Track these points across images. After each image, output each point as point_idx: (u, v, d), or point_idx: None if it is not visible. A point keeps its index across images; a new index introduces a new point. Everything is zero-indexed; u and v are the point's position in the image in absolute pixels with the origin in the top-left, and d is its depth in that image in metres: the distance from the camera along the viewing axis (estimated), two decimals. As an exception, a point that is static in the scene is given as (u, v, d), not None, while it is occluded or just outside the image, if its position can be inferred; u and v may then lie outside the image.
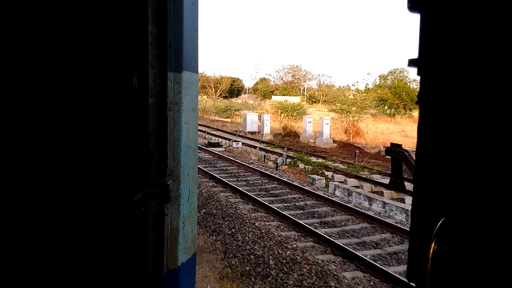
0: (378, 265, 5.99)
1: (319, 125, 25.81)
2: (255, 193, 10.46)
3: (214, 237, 7.69)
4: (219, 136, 24.13)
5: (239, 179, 12.19)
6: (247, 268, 6.36)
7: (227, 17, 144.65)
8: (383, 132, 29.17)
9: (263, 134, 25.77)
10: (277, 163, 15.33)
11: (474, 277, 0.80)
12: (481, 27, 0.79)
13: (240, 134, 26.11)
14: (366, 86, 52.97)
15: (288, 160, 16.63)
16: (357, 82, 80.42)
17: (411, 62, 0.94)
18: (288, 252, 6.50)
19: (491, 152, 0.77)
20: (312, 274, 5.77)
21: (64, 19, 1.71)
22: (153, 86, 1.47)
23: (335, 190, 11.81)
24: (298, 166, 16.01)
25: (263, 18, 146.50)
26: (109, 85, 1.61)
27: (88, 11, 1.65)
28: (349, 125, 27.52)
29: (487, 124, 0.78)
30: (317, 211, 9.03)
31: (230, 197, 10.00)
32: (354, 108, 29.90)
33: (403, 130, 31.04)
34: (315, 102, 58.16)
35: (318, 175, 14.10)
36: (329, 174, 14.43)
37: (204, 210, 9.09)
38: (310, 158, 17.36)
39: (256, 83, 76.46)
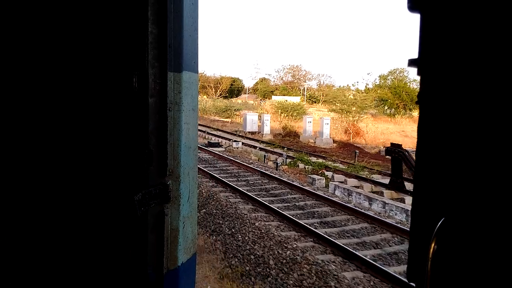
0: (378, 265, 5.99)
1: (319, 125, 25.82)
2: (255, 193, 10.46)
3: (214, 237, 7.69)
4: (219, 136, 24.13)
5: (239, 179, 12.19)
6: (247, 268, 6.36)
7: (227, 17, 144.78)
8: (383, 132, 29.15)
9: (263, 134, 25.77)
10: (277, 163, 15.33)
11: (474, 277, 0.80)
12: (481, 27, 0.79)
13: (240, 134, 26.12)
14: (366, 86, 53.00)
15: (288, 160, 16.63)
16: (357, 82, 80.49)
17: (411, 62, 0.94)
18: (288, 252, 6.49)
19: (491, 152, 0.77)
20: (312, 274, 5.77)
21: (64, 19, 1.71)
22: (153, 86, 1.47)
23: (335, 190, 11.81)
24: (298, 166, 16.01)
25: (263, 18, 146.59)
26: (109, 85, 1.61)
27: (88, 11, 1.65)
28: (349, 125, 27.50)
29: (487, 124, 0.78)
30: (317, 211, 9.03)
31: (230, 197, 10.00)
32: (354, 108, 29.90)
33: (403, 130, 31.03)
34: (315, 102, 58.16)
35: (318, 175, 14.10)
36: (329, 174, 14.43)
37: (204, 210, 9.09)
38: (310, 158, 17.36)
39: (256, 83, 76.45)
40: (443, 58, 0.86)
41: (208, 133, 25.40)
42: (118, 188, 1.60)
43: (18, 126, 1.90)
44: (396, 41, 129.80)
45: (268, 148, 20.29)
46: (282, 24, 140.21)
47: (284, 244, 6.78)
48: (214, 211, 8.90)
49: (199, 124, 30.56)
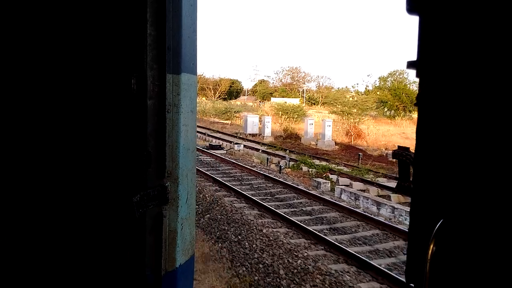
0: (395, 275, 5.69)
1: (320, 127, 25.56)
2: (260, 197, 10.15)
3: (220, 244, 7.38)
4: (219, 138, 23.81)
5: (242, 182, 11.89)
6: (256, 278, 6.05)
7: (226, 18, 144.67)
8: (384, 134, 28.95)
9: (264, 136, 25.47)
10: (280, 166, 15.02)
11: (473, 278, 0.80)
12: (479, 30, 0.79)
13: (241, 136, 25.81)
14: (366, 88, 52.83)
15: (291, 163, 16.33)
16: (357, 84, 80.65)
17: (410, 64, 0.94)
18: (299, 261, 6.19)
19: (489, 154, 0.77)
20: (326, 286, 5.47)
21: (63, 21, 1.69)
22: (151, 88, 1.47)
23: (341, 194, 11.52)
24: (301, 169, 15.71)
25: (262, 20, 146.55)
26: (108, 87, 1.60)
27: (87, 13, 1.63)
28: (351, 127, 27.27)
29: (485, 126, 0.78)
30: (325, 216, 8.73)
31: (234, 201, 9.69)
32: (355, 110, 29.68)
33: (404, 132, 30.83)
34: (314, 103, 58.00)
35: (322, 178, 13.81)
36: (334, 177, 14.14)
37: (208, 215, 8.78)
38: (313, 160, 17.07)
39: (255, 85, 76.39)
40: (441, 60, 0.86)
41: (209, 135, 25.09)
42: (116, 189, 1.59)
43: (17, 128, 1.87)
44: (396, 43, 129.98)
45: (270, 150, 19.98)
46: (281, 25, 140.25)
47: (294, 253, 6.48)
48: (219, 216, 8.58)
49: (199, 126, 30.32)
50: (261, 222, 8.09)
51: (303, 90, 65.64)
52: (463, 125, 0.82)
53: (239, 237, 7.46)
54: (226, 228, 7.98)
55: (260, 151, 19.36)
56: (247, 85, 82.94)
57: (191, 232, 1.67)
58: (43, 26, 1.75)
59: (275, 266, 6.20)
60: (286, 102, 44.83)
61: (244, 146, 20.27)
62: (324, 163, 16.74)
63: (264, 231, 7.48)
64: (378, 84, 51.77)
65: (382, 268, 5.92)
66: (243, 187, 11.28)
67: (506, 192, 0.74)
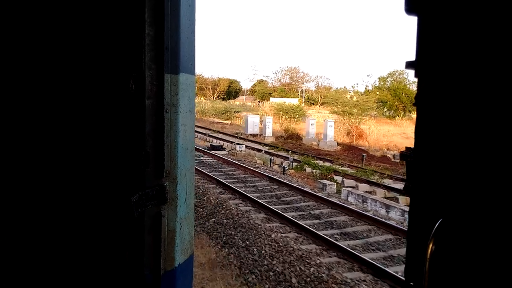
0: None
1: (322, 127, 25.31)
2: (266, 200, 9.86)
3: (227, 250, 7.08)
4: (220, 139, 23.49)
5: (246, 184, 11.59)
6: (267, 286, 5.76)
7: (224, 18, 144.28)
8: (385, 134, 28.74)
9: (265, 136, 25.17)
10: (284, 167, 14.73)
11: (472, 278, 0.81)
12: (477, 30, 0.79)
13: (242, 136, 25.50)
14: (366, 88, 52.63)
15: (294, 164, 16.04)
16: (357, 84, 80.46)
17: (409, 64, 0.93)
18: (312, 269, 5.90)
19: (488, 153, 0.77)
20: (343, 296, 5.18)
21: (61, 21, 1.69)
22: (150, 88, 1.47)
23: (348, 196, 11.23)
24: (305, 170, 15.43)
25: (260, 20, 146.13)
26: (106, 87, 1.60)
27: (85, 13, 1.63)
28: (352, 127, 27.02)
29: (484, 126, 0.78)
30: (335, 220, 8.44)
31: (240, 204, 9.39)
32: (356, 110, 29.45)
33: (404, 132, 30.64)
34: (313, 103, 57.79)
35: (327, 180, 13.53)
36: (339, 179, 13.87)
37: (213, 219, 8.48)
38: (316, 161, 16.79)
39: (254, 84, 76.11)
40: (440, 60, 0.87)
41: (209, 136, 24.77)
42: (115, 189, 1.59)
43: (15, 128, 1.87)
44: (395, 43, 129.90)
45: (272, 151, 19.69)
46: (279, 25, 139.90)
47: (306, 260, 6.19)
48: (225, 220, 8.29)
49: (199, 126, 30.02)
50: (269, 226, 7.80)
51: (302, 90, 65.41)
52: (462, 125, 0.82)
53: (247, 242, 7.16)
54: (232, 232, 7.68)
55: (263, 152, 19.05)
56: (245, 85, 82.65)
57: (190, 232, 1.68)
58: (41, 26, 1.74)
59: (286, 274, 5.91)
60: (285, 102, 44.62)
61: (246, 146, 19.95)
62: (327, 164, 16.47)
63: (273, 236, 7.19)
64: (377, 84, 51.59)
65: (400, 276, 5.64)
66: (248, 189, 10.98)
67: (504, 191, 0.75)
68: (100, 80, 1.63)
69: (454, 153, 0.84)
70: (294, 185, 11.34)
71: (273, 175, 12.69)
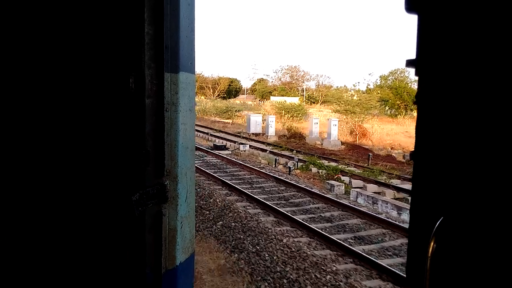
0: (438, 293, 5.12)
1: (325, 126, 25.02)
2: (274, 202, 9.56)
3: (237, 255, 6.78)
4: (222, 138, 23.18)
5: (253, 185, 11.28)
6: (281, 295, 5.47)
7: (224, 17, 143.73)
8: (388, 133, 28.48)
9: (268, 135, 24.87)
10: (289, 167, 14.43)
11: (473, 276, 0.80)
12: (478, 28, 0.79)
13: (244, 135, 25.19)
14: (367, 87, 52.32)
15: (300, 163, 15.74)
16: (358, 82, 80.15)
17: (409, 63, 0.93)
18: (328, 276, 5.61)
19: (489, 151, 0.77)
20: (363, 306, 4.89)
21: (61, 20, 1.68)
22: (149, 87, 1.47)
23: (357, 197, 10.95)
24: (310, 170, 15.13)
25: (260, 18, 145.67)
26: (106, 86, 1.59)
27: (85, 12, 1.62)
28: (355, 126, 26.74)
29: (484, 124, 0.78)
30: (347, 223, 8.14)
31: (248, 207, 9.09)
32: (359, 109, 29.16)
33: (407, 131, 30.35)
34: (313, 102, 57.50)
35: (334, 180, 13.24)
36: (345, 179, 13.58)
37: (220, 222, 8.17)
38: (322, 161, 16.49)
39: (254, 83, 75.83)
40: (440, 59, 0.87)
41: (211, 135, 24.45)
42: (115, 188, 1.59)
43: (15, 127, 1.87)
44: (397, 41, 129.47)
45: (276, 150, 19.39)
46: (279, 24, 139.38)
47: (322, 266, 5.89)
48: (233, 223, 7.99)
49: (201, 126, 29.73)
50: (280, 230, 7.50)
51: (303, 89, 65.11)
52: (462, 123, 0.82)
53: (257, 247, 6.87)
54: (242, 236, 7.38)
55: (268, 151, 18.74)
56: (246, 84, 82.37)
57: (191, 230, 1.67)
58: (41, 25, 1.73)
59: (301, 282, 5.61)
60: (285, 101, 44.35)
61: (250, 146, 19.64)
62: (333, 163, 16.17)
63: (285, 241, 6.89)
64: (379, 83, 51.28)
65: (421, 284, 5.34)
66: (255, 190, 10.68)
67: (505, 189, 0.74)
68: (100, 79, 1.61)
69: (455, 151, 0.84)
70: (301, 186, 11.04)
71: (279, 176, 12.39)
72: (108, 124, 1.60)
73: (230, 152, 17.77)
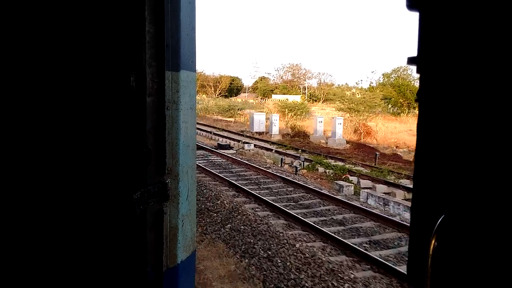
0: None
1: (330, 124, 24.72)
2: (283, 203, 9.27)
3: (247, 260, 6.49)
4: (226, 137, 22.88)
5: (260, 186, 10.99)
6: (296, 304, 5.19)
7: (225, 15, 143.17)
8: (392, 131, 28.17)
9: (271, 134, 24.56)
10: (296, 167, 14.14)
11: (475, 274, 0.80)
12: (479, 25, 0.79)
13: (247, 134, 24.89)
14: (370, 85, 51.94)
15: (306, 163, 15.44)
16: (361, 80, 79.73)
17: (410, 60, 0.93)
18: (347, 285, 5.32)
19: (490, 149, 0.77)
20: (387, 318, 4.60)
21: (61, 18, 1.68)
22: (150, 85, 1.47)
23: (367, 198, 10.65)
24: (317, 169, 14.84)
25: (262, 16, 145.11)
26: (107, 84, 1.60)
27: (86, 11, 1.63)
28: (360, 125, 26.44)
29: (486, 121, 0.78)
30: (361, 227, 7.85)
31: (257, 209, 8.81)
32: (363, 108, 28.84)
33: (411, 129, 30.04)
34: (315, 100, 57.19)
35: (342, 180, 12.95)
36: (354, 179, 13.28)
37: (229, 225, 7.89)
38: (328, 160, 16.19)
39: (256, 82, 75.55)
40: (442, 56, 0.87)
41: (215, 134, 24.15)
42: (116, 186, 1.59)
43: (17, 124, 1.87)
44: (400, 39, 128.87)
45: (281, 149, 19.09)
46: (281, 22, 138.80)
47: (339, 274, 5.61)
48: (242, 227, 7.70)
49: (204, 124, 29.44)
50: (292, 234, 7.21)
51: (305, 87, 64.79)
52: (464, 121, 0.81)
53: (269, 252, 6.58)
54: (252, 241, 7.10)
55: (273, 151, 18.43)
56: (247, 82, 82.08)
57: (192, 229, 1.68)
58: (42, 24, 1.73)
59: (318, 291, 5.33)
60: (287, 99, 44.04)
61: (254, 145, 19.34)
62: (339, 163, 15.88)
63: (298, 245, 6.60)
64: (382, 81, 50.91)
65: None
66: (262, 191, 10.39)
67: (507, 187, 0.74)
68: (101, 78, 1.61)
69: (457, 149, 0.83)
70: (310, 186, 10.75)
71: (286, 176, 12.10)
72: (110, 123, 1.60)
73: (235, 151, 17.47)
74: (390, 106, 44.03)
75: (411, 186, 12.07)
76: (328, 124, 25.09)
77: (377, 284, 5.49)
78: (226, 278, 6.04)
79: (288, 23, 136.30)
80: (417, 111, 0.95)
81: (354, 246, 6.53)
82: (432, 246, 0.83)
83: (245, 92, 74.81)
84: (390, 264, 5.90)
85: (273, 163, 15.54)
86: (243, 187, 10.33)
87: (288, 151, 18.71)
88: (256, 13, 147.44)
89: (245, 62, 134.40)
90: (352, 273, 5.65)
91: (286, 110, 31.95)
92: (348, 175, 13.68)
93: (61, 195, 1.76)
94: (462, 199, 0.83)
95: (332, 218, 8.35)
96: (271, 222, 7.81)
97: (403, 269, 5.83)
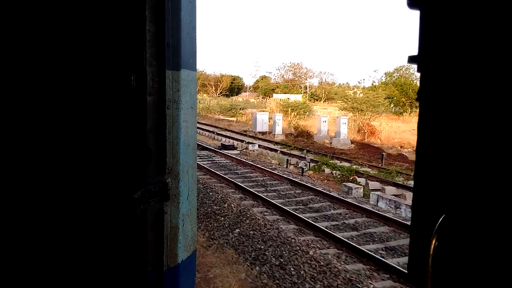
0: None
1: (332, 124, 24.44)
2: (292, 207, 8.97)
3: (258, 268, 6.20)
4: (229, 137, 22.58)
5: (267, 189, 10.69)
6: (314, 317, 4.90)
7: (226, 14, 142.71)
8: (395, 131, 27.88)
9: (274, 134, 24.27)
10: (302, 168, 13.83)
11: (475, 274, 0.80)
12: (480, 24, 0.79)
13: (250, 134, 24.59)
14: (372, 84, 51.64)
15: (311, 164, 15.14)
16: (363, 79, 79.45)
17: (411, 59, 0.93)
18: (367, 296, 5.03)
19: (491, 148, 0.77)
20: (412, 333, 4.31)
21: (62, 17, 1.68)
22: (151, 84, 1.47)
23: (377, 201, 10.34)
24: (323, 171, 14.55)
25: (263, 15, 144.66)
26: (108, 83, 1.60)
27: (86, 10, 1.63)
28: (364, 124, 26.15)
29: (487, 121, 0.78)
30: (375, 232, 7.55)
31: (266, 213, 8.51)
32: (366, 107, 28.55)
33: (414, 129, 29.70)
34: (317, 100, 56.91)
35: (350, 182, 12.65)
36: (362, 180, 12.98)
37: (237, 230, 7.59)
38: (334, 161, 15.89)
39: (257, 81, 75.26)
40: (442, 55, 0.86)
41: (217, 134, 23.84)
42: (117, 186, 1.59)
43: (16, 124, 1.87)
44: (402, 38, 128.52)
45: (285, 150, 18.79)
46: (282, 21, 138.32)
47: (357, 285, 5.31)
48: (251, 232, 7.40)
49: (206, 124, 29.16)
50: (304, 240, 6.90)
51: (306, 86, 64.47)
52: (465, 120, 0.81)
53: (281, 259, 6.28)
54: (262, 247, 6.80)
55: (278, 151, 18.11)
56: (248, 81, 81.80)
57: (193, 228, 1.68)
58: (43, 23, 1.73)
59: (336, 302, 5.04)
60: (288, 99, 43.77)
61: (258, 145, 19.04)
62: (346, 164, 15.59)
63: (311, 253, 6.31)
64: (384, 80, 50.61)
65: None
66: (270, 194, 10.09)
67: (508, 186, 0.74)
68: (101, 77, 1.61)
69: (458, 148, 0.83)
70: (318, 189, 10.46)
71: (293, 177, 11.80)
72: (110, 122, 1.60)
73: (239, 152, 17.17)
74: (392, 105, 43.74)
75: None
76: (331, 124, 24.81)
77: (399, 295, 5.20)
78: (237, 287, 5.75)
79: (289, 22, 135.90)
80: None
81: (371, 253, 6.23)
82: (432, 246, 0.83)
83: (246, 91, 74.53)
84: (410, 273, 5.60)
85: (278, 164, 15.24)
86: (250, 189, 10.03)
87: (293, 152, 18.41)
88: (257, 12, 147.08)
89: (246, 61, 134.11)
90: (371, 283, 5.37)
91: (289, 109, 31.63)
92: (356, 177, 13.38)
93: (61, 194, 1.75)
94: (463, 199, 0.83)
95: (344, 223, 8.05)
96: (281, 227, 7.51)
97: (424, 278, 5.54)
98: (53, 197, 1.78)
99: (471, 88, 0.80)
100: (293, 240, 6.81)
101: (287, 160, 15.25)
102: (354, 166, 15.13)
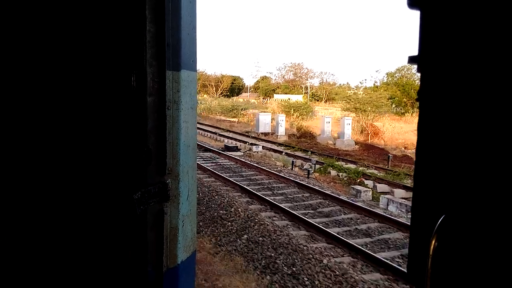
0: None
1: (335, 125, 24.15)
2: (302, 211, 8.68)
3: (269, 277, 5.90)
4: (232, 138, 22.28)
5: (274, 192, 10.39)
6: (331, 331, 4.60)
7: (226, 14, 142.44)
8: (398, 131, 27.60)
9: (277, 135, 23.96)
10: (308, 170, 13.53)
11: (475, 274, 0.80)
12: (480, 24, 0.79)
13: (253, 135, 24.29)
14: (374, 84, 51.32)
15: (317, 166, 14.85)
16: (365, 79, 79.14)
17: (411, 59, 0.93)
18: (388, 309, 4.73)
19: (491, 149, 0.77)
20: None
21: (62, 18, 1.69)
22: (151, 85, 1.47)
23: (388, 205, 10.06)
24: (329, 173, 14.25)
25: (263, 15, 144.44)
26: (108, 84, 1.60)
27: (86, 10, 1.63)
28: (367, 125, 25.85)
29: (487, 121, 0.78)
30: (389, 238, 7.25)
31: (274, 218, 8.21)
32: (370, 108, 28.26)
33: (416, 129, 29.47)
34: (318, 100, 56.63)
35: (357, 184, 12.35)
36: (369, 183, 12.69)
37: (246, 236, 7.29)
38: (340, 163, 15.60)
39: (257, 81, 75.00)
40: (443, 55, 0.86)
41: (220, 135, 23.54)
42: (117, 186, 1.60)
43: (17, 124, 1.88)
44: (404, 38, 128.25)
45: (289, 151, 18.50)
46: (283, 21, 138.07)
47: (377, 296, 5.02)
48: (260, 238, 7.10)
49: (208, 125, 28.86)
50: (317, 248, 6.61)
51: (306, 86, 64.20)
52: (465, 120, 0.81)
53: (293, 268, 5.98)
54: (272, 254, 6.50)
55: (283, 153, 17.80)
56: (249, 81, 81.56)
57: (193, 229, 1.68)
58: (43, 23, 1.73)
59: (355, 316, 4.74)
60: (289, 99, 43.49)
61: (262, 147, 18.73)
62: (352, 165, 15.30)
63: (325, 261, 6.01)
64: (386, 80, 50.30)
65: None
66: (277, 197, 9.79)
67: (507, 187, 0.73)
68: (102, 78, 1.61)
69: (458, 148, 0.82)
70: (327, 192, 10.16)
71: (300, 180, 11.51)
72: (110, 122, 1.59)
73: (242, 153, 16.87)
74: (394, 105, 43.45)
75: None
76: (334, 125, 24.52)
77: (422, 308, 4.90)
78: (247, 299, 5.46)
79: (290, 22, 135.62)
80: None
81: (388, 262, 5.94)
82: (432, 246, 0.82)
83: (247, 92, 74.29)
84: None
85: (283, 166, 14.94)
86: (256, 192, 9.73)
87: (297, 153, 18.12)
88: (258, 12, 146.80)
89: (247, 61, 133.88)
90: (391, 295, 5.06)
91: (292, 110, 31.33)
92: (363, 179, 13.09)
93: (61, 195, 1.76)
94: (462, 199, 0.82)
95: (357, 228, 7.75)
96: (292, 233, 7.21)
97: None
98: (53, 198, 1.78)
99: (471, 88, 0.80)
100: (305, 248, 6.51)
101: (292, 162, 14.94)
102: (361, 168, 14.83)
